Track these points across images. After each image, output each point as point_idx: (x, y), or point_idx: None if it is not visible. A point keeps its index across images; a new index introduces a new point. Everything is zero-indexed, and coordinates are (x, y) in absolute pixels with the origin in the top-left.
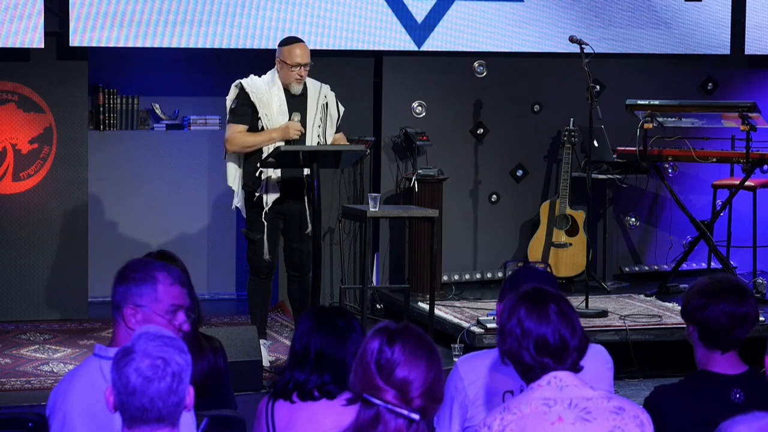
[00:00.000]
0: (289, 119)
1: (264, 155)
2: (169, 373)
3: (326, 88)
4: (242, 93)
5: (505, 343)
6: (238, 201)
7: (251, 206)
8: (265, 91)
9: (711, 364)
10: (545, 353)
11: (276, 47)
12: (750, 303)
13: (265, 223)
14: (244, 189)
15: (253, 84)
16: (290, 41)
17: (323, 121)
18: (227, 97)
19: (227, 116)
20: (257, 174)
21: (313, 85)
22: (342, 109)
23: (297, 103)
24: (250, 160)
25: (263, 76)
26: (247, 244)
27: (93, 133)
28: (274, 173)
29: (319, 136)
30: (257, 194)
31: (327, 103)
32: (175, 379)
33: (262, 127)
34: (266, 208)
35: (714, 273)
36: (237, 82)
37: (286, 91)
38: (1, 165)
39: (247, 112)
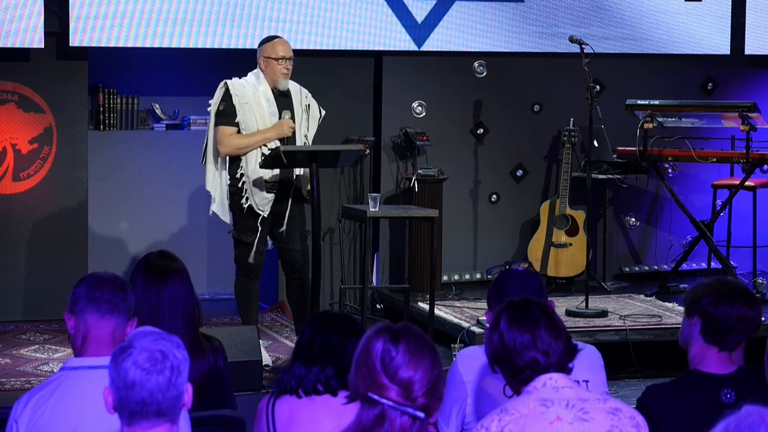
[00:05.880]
0: (280, 118)
1: (243, 160)
2: (168, 366)
3: (305, 90)
4: (228, 95)
5: (494, 347)
6: (216, 206)
7: (242, 209)
8: (252, 93)
9: (703, 362)
10: (534, 351)
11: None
12: (758, 310)
13: (260, 228)
14: (230, 191)
15: (238, 87)
16: (271, 38)
17: (307, 122)
18: (213, 99)
19: (213, 118)
20: (238, 176)
21: (293, 86)
22: (323, 111)
23: (283, 103)
24: (235, 163)
25: (248, 78)
26: (234, 245)
27: (93, 133)
28: (265, 175)
29: (305, 136)
30: (245, 204)
31: (309, 105)
32: (174, 372)
33: (238, 131)
34: (264, 214)
35: (714, 273)
36: (223, 82)
37: (273, 91)
38: (1, 165)
39: (234, 113)
